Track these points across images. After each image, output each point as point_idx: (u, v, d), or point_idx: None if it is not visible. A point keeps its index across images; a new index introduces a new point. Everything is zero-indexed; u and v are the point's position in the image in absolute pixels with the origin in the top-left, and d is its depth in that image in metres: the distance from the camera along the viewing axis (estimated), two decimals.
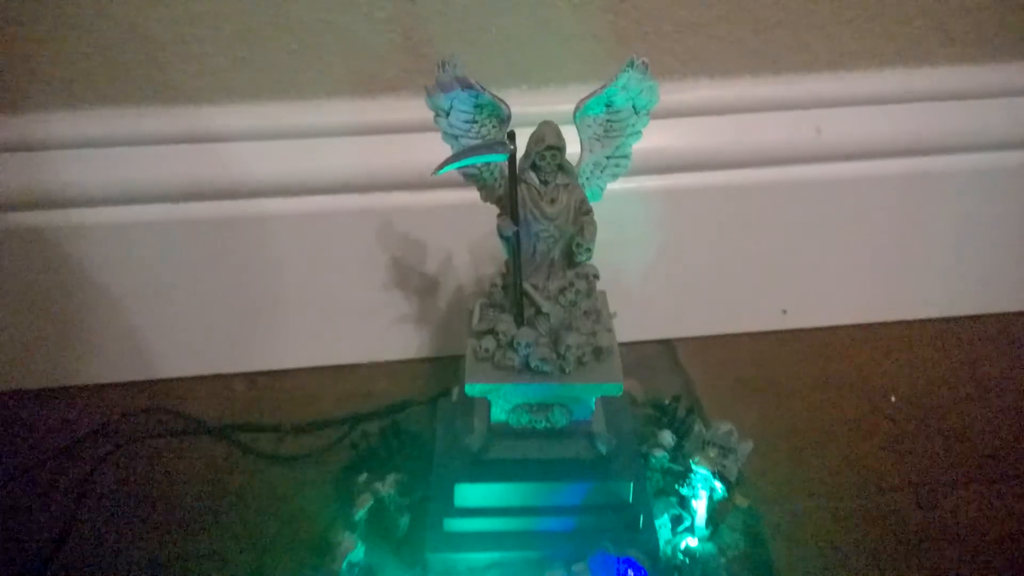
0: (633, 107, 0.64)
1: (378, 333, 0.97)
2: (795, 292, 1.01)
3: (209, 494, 0.82)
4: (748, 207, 0.95)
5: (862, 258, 1.00)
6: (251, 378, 0.97)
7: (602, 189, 0.69)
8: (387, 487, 0.73)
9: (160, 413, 0.92)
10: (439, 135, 0.66)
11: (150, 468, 0.85)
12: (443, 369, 0.97)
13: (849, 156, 0.94)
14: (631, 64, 0.61)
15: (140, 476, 0.84)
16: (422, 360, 0.99)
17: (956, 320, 1.04)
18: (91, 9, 0.79)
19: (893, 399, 0.93)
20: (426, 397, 0.91)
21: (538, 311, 0.67)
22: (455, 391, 0.81)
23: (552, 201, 0.64)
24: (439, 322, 0.97)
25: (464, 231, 0.91)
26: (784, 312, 1.02)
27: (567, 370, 0.66)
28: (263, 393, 0.95)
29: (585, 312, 0.68)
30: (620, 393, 0.67)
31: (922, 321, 1.04)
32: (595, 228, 0.66)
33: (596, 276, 0.68)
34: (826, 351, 1.00)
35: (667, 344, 1.01)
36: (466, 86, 0.61)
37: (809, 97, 0.92)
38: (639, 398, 0.89)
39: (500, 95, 0.62)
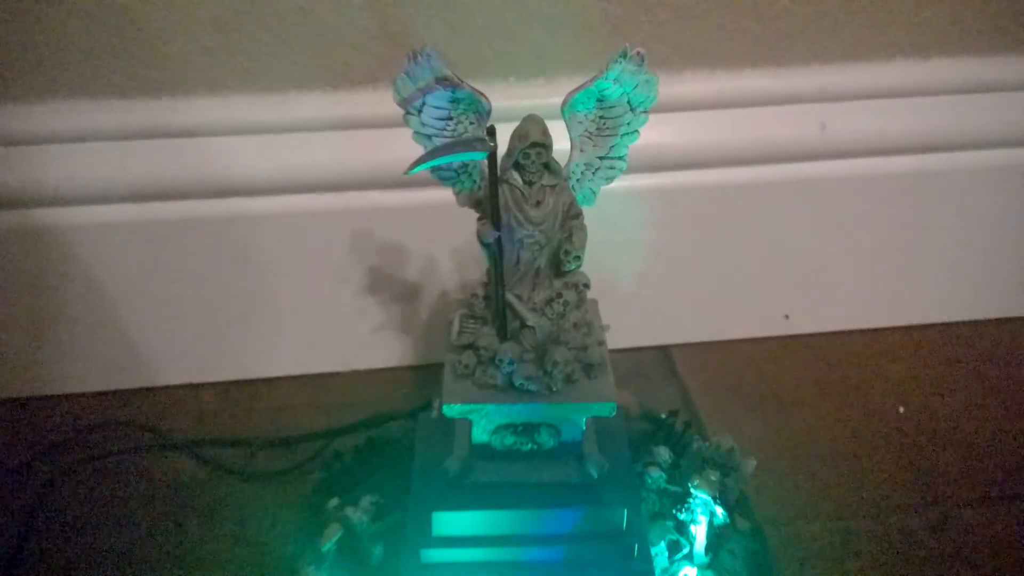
0: (629, 103, 0.59)
1: (357, 340, 0.93)
2: (798, 296, 0.98)
3: (174, 514, 0.78)
4: (748, 207, 0.92)
5: (868, 260, 0.97)
6: (222, 388, 0.92)
7: (595, 193, 0.63)
8: (360, 512, 0.68)
9: (124, 426, 0.87)
10: None
11: (111, 485, 0.81)
12: (425, 378, 0.93)
13: (855, 153, 0.91)
14: (624, 54, 0.56)
15: (100, 494, 0.80)
16: (403, 368, 0.95)
17: (968, 325, 1.01)
18: None
19: (902, 410, 0.89)
20: (406, 408, 0.86)
21: (523, 324, 0.62)
22: (435, 404, 0.76)
23: (537, 204, 0.59)
24: (421, 329, 0.93)
25: (447, 232, 0.87)
26: (786, 317, 0.99)
27: (555, 388, 0.61)
28: (234, 404, 0.91)
29: (575, 324, 0.63)
30: (613, 414, 0.62)
31: (932, 326, 1.01)
32: (585, 234, 0.60)
33: (587, 285, 0.63)
34: (831, 358, 0.97)
35: (664, 351, 0.98)
36: (442, 80, 0.56)
37: (813, 90, 0.89)
38: (633, 411, 0.85)
39: (485, 88, 0.57)
